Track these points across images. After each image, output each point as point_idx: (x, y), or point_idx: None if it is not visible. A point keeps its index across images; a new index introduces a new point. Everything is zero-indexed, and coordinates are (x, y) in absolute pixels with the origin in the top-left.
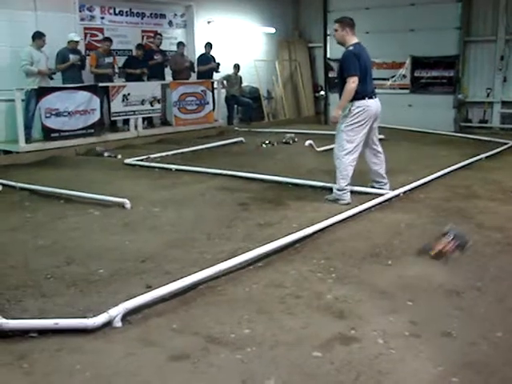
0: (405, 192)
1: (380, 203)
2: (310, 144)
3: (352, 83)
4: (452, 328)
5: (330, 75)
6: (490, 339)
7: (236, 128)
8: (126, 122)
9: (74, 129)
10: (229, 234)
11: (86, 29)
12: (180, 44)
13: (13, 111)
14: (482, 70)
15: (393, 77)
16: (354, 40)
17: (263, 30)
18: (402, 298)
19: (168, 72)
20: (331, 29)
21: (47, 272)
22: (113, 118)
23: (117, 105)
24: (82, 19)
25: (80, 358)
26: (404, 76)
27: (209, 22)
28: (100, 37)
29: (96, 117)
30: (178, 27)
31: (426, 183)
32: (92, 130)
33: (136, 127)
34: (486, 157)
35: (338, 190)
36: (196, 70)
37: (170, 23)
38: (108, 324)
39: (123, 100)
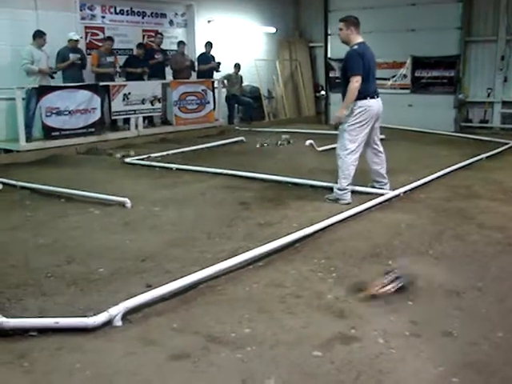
0: (405, 192)
1: (380, 203)
2: (311, 144)
3: (355, 82)
4: (453, 328)
5: (330, 75)
6: (491, 339)
7: (236, 127)
8: (127, 121)
9: (75, 128)
10: (229, 234)
11: (86, 28)
12: (180, 43)
13: (13, 110)
14: (482, 70)
15: (393, 77)
16: (359, 39)
17: (264, 30)
18: (403, 298)
19: (168, 71)
20: (332, 28)
21: (48, 271)
22: (113, 117)
23: (117, 104)
24: (83, 18)
25: (80, 357)
26: (405, 76)
27: (209, 22)
28: (101, 36)
29: (96, 116)
30: (178, 26)
31: (426, 183)
32: (93, 129)
33: (136, 126)
34: (487, 157)
35: (339, 189)
36: (196, 69)
37: (171, 22)
38: (108, 323)
39: (124, 99)
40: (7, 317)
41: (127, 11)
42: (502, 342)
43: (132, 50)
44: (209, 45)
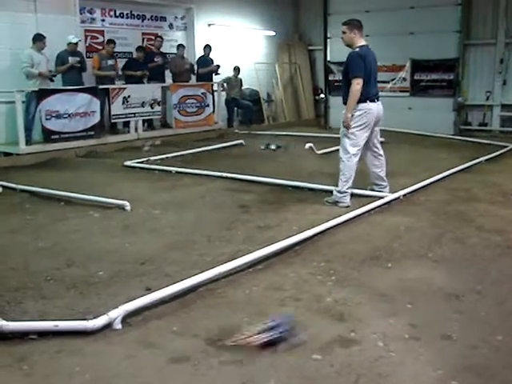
0: (405, 195)
1: (380, 206)
2: (310, 147)
3: (356, 85)
4: (452, 331)
5: (330, 78)
6: (490, 342)
7: (236, 130)
8: (126, 124)
9: (74, 131)
10: (229, 237)
11: (86, 31)
12: (180, 46)
13: (13, 113)
14: (481, 73)
15: (393, 80)
16: (362, 42)
17: (263, 33)
18: (402, 301)
19: (168, 74)
20: (331, 32)
21: (47, 274)
22: (113, 121)
23: (117, 107)
24: (83, 21)
25: (80, 360)
26: (404, 79)
27: (209, 25)
28: (100, 39)
29: (96, 119)
30: (178, 30)
31: (425, 186)
32: (92, 132)
33: (136, 129)
34: (486, 160)
35: (339, 192)
36: (196, 72)
37: (171, 26)
38: (108, 326)
39: (123, 102)
40: (7, 320)
41: (127, 14)
42: (502, 346)
43: (132, 53)
44: (208, 48)
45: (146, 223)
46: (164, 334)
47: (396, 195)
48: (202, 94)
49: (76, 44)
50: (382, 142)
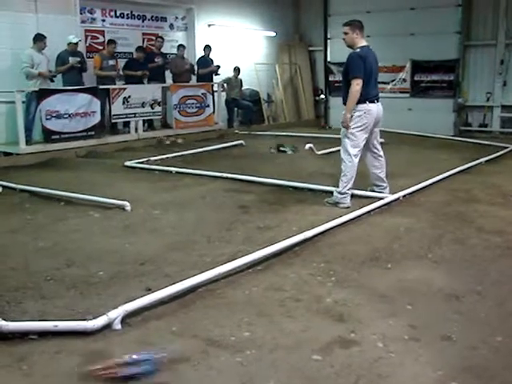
0: (405, 196)
1: (380, 207)
2: (310, 147)
3: (356, 85)
4: (452, 332)
5: (330, 79)
6: (490, 343)
7: (236, 131)
8: (127, 124)
9: (75, 131)
10: (229, 237)
11: (86, 31)
12: (180, 47)
13: (13, 113)
14: (481, 74)
15: (393, 81)
16: (363, 43)
17: (263, 34)
18: (402, 302)
19: (168, 75)
20: (331, 32)
21: (47, 274)
22: (113, 121)
23: (117, 107)
24: (83, 21)
25: (79, 361)
26: (404, 80)
27: (209, 25)
28: (101, 39)
29: (96, 119)
30: (178, 30)
31: (425, 187)
32: (92, 133)
33: (136, 130)
34: (486, 161)
35: (339, 193)
36: (196, 72)
37: (171, 26)
38: (107, 326)
39: (124, 102)
40: (7, 320)
41: (127, 15)
42: (501, 347)
43: (132, 53)
44: (208, 48)
45: (146, 223)
46: (163, 335)
47: (396, 196)
48: (203, 94)
49: (76, 44)
50: (382, 143)
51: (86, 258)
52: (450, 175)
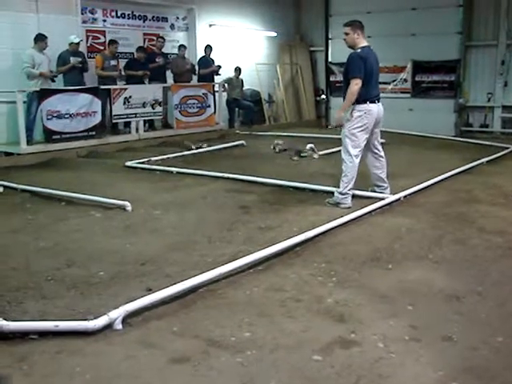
0: (405, 196)
1: (381, 207)
2: (311, 148)
3: (355, 85)
4: (452, 332)
5: (331, 79)
6: (491, 344)
7: (237, 131)
8: (128, 124)
9: (76, 131)
10: (230, 237)
11: (87, 31)
12: (181, 47)
13: (14, 113)
14: (482, 74)
15: (394, 81)
16: (364, 43)
17: (264, 34)
18: (403, 303)
19: (169, 75)
20: (332, 32)
21: (48, 274)
22: (114, 121)
23: (118, 107)
24: (84, 22)
25: (80, 361)
26: (405, 80)
27: (210, 26)
28: (102, 39)
29: (97, 119)
30: (179, 30)
31: (426, 187)
32: (93, 133)
33: (137, 130)
34: (487, 161)
35: (341, 193)
36: (197, 73)
37: (172, 26)
38: (108, 326)
39: (125, 103)
40: (7, 320)
41: (128, 15)
42: (502, 347)
43: (133, 53)
44: (208, 48)
45: (147, 224)
46: (164, 335)
47: (397, 196)
48: (203, 94)
49: (78, 44)
50: (382, 144)
51: (86, 258)
52: (451, 176)
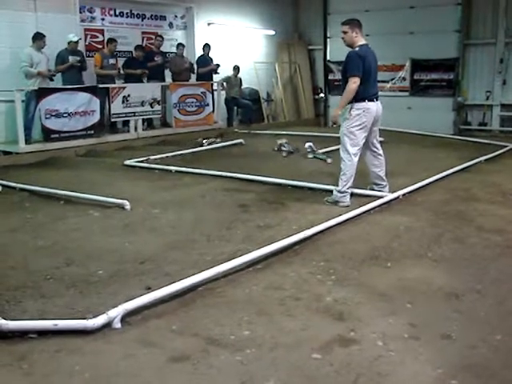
0: (404, 194)
1: (379, 206)
2: (310, 146)
3: (353, 84)
4: (451, 331)
5: (329, 77)
6: (490, 342)
7: (236, 130)
8: (126, 123)
9: (74, 130)
10: (228, 236)
11: (86, 30)
12: (179, 45)
13: (13, 112)
14: (481, 72)
15: (392, 79)
16: (362, 41)
17: (263, 32)
18: (402, 301)
19: (168, 74)
20: (331, 31)
21: (47, 273)
22: (113, 120)
23: (117, 106)
24: (83, 20)
25: (79, 359)
26: (403, 78)
27: (209, 24)
28: (100, 38)
29: (96, 118)
30: (178, 29)
31: (425, 186)
32: (92, 132)
33: (136, 129)
34: (486, 159)
35: (339, 192)
36: (196, 71)
37: (171, 25)
38: (107, 325)
39: (123, 101)
40: (6, 319)
41: (127, 13)
42: (501, 345)
43: (132, 52)
44: (207, 47)
45: (146, 222)
46: (164, 333)
47: (395, 195)
48: (202, 93)
49: (76, 43)
50: (381, 142)
51: (85, 257)
52: (449, 174)
